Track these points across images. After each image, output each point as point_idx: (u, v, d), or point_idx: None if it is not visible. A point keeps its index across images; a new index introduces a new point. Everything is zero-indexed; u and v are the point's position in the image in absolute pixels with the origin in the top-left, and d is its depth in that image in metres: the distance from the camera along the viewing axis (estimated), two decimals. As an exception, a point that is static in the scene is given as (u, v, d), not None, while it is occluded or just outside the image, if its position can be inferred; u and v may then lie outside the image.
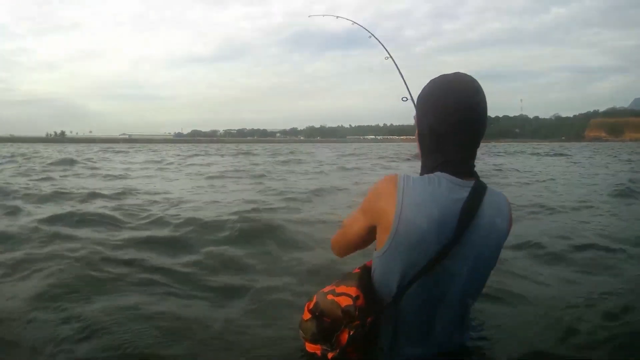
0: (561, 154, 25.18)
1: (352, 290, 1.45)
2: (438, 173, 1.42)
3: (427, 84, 1.51)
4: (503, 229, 1.46)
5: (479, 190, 1.41)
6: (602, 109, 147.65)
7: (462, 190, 1.39)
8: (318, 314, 1.47)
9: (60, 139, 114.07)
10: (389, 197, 1.38)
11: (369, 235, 1.53)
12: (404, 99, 2.40)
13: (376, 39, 2.97)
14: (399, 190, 1.37)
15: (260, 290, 2.70)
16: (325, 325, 1.47)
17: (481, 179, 1.47)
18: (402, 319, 1.47)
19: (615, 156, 22.03)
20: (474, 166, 1.48)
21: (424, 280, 1.40)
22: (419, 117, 1.52)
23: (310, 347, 1.53)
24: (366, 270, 1.56)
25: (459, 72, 1.47)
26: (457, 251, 1.37)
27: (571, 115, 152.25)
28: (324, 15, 4.05)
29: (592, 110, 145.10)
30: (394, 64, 2.72)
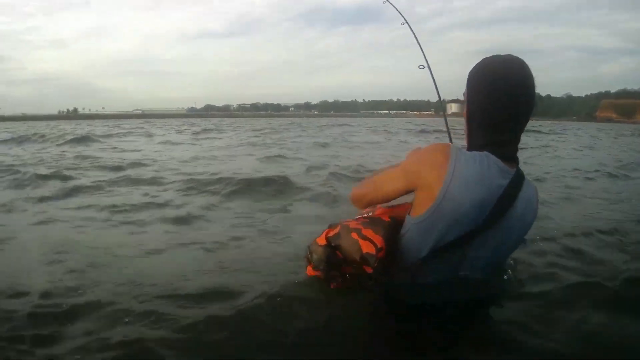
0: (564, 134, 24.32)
1: (379, 240, 1.44)
2: (487, 153, 1.43)
3: (480, 62, 1.51)
4: (529, 222, 1.52)
5: (518, 180, 1.44)
6: (613, 90, 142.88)
7: (504, 176, 1.41)
8: (334, 245, 1.48)
9: (72, 115, 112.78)
10: (439, 167, 1.38)
11: (402, 195, 1.54)
12: (421, 66, 2.42)
13: (391, 4, 2.91)
14: (450, 163, 1.37)
15: (273, 225, 3.24)
16: (336, 259, 1.49)
17: None
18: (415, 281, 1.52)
19: (615, 137, 21.52)
20: (517, 150, 1.50)
21: (446, 257, 1.45)
22: (470, 94, 1.52)
23: (311, 272, 1.59)
24: (396, 224, 1.55)
25: (511, 54, 1.48)
26: (485, 235, 1.42)
27: (582, 95, 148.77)
28: None
29: (603, 91, 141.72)
30: (410, 30, 2.68)
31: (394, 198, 1.57)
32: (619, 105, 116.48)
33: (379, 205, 1.69)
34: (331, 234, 1.50)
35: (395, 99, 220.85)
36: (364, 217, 1.57)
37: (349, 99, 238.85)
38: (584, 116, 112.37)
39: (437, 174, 1.37)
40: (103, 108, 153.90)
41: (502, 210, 1.40)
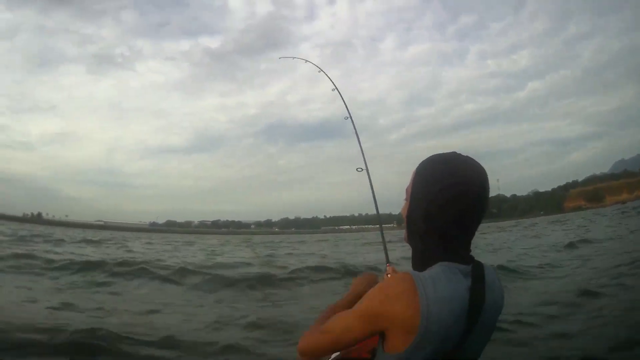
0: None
1: None
2: (444, 263, 1.36)
3: (428, 162, 1.44)
4: (501, 306, 1.46)
5: (480, 273, 1.38)
6: (581, 178, 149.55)
7: (468, 277, 1.37)
8: None
9: (37, 219, 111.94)
10: (409, 298, 1.28)
11: (366, 339, 1.40)
12: (359, 169, 2.28)
13: (339, 93, 2.85)
14: (419, 290, 1.28)
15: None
16: None
17: None
18: None
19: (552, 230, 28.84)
20: (470, 248, 1.45)
21: None
22: (418, 198, 1.43)
23: None
24: None
25: (460, 154, 1.42)
26: (470, 338, 1.35)
27: (549, 189, 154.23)
28: (293, 58, 3.98)
29: (571, 181, 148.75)
30: (352, 124, 2.59)
31: (357, 343, 1.44)
32: (588, 192, 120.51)
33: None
34: None
35: (356, 214, 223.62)
36: None
37: (310, 215, 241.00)
38: (552, 209, 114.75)
39: (410, 308, 1.27)
40: (67, 216, 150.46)
41: (478, 310, 1.34)
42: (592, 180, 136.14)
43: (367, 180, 2.31)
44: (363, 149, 2.42)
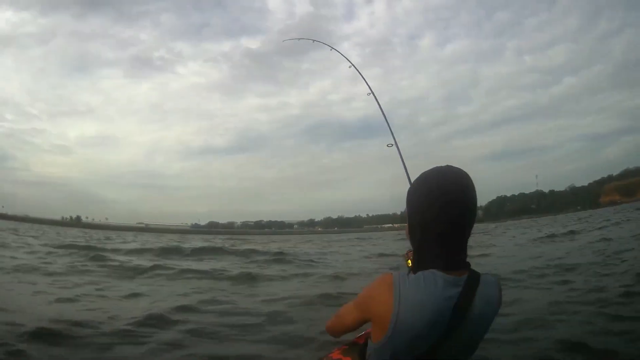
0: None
1: None
2: (432, 270, 1.44)
3: (418, 177, 1.56)
4: (491, 315, 1.51)
5: (471, 284, 1.44)
6: (616, 172, 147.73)
7: (455, 287, 1.42)
8: None
9: (75, 223, 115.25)
10: (384, 298, 1.43)
11: (362, 324, 1.63)
12: (390, 145, 2.45)
13: (356, 69, 3.08)
14: (395, 292, 1.41)
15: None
16: None
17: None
18: None
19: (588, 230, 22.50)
20: (467, 256, 1.51)
21: None
22: (410, 211, 1.56)
23: None
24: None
25: (450, 165, 1.52)
26: (448, 344, 1.43)
27: (586, 184, 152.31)
28: (299, 39, 4.65)
29: (606, 176, 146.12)
30: (375, 99, 2.78)
31: (356, 327, 1.66)
32: (622, 187, 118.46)
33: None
34: None
35: (399, 212, 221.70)
36: (345, 345, 1.84)
37: (352, 215, 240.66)
38: (589, 204, 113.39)
39: (384, 306, 1.42)
40: (107, 219, 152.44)
41: (459, 319, 1.41)
42: (626, 174, 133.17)
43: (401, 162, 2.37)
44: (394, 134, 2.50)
